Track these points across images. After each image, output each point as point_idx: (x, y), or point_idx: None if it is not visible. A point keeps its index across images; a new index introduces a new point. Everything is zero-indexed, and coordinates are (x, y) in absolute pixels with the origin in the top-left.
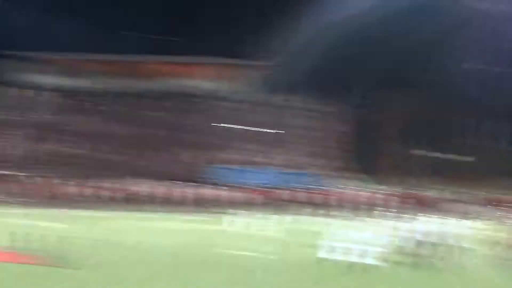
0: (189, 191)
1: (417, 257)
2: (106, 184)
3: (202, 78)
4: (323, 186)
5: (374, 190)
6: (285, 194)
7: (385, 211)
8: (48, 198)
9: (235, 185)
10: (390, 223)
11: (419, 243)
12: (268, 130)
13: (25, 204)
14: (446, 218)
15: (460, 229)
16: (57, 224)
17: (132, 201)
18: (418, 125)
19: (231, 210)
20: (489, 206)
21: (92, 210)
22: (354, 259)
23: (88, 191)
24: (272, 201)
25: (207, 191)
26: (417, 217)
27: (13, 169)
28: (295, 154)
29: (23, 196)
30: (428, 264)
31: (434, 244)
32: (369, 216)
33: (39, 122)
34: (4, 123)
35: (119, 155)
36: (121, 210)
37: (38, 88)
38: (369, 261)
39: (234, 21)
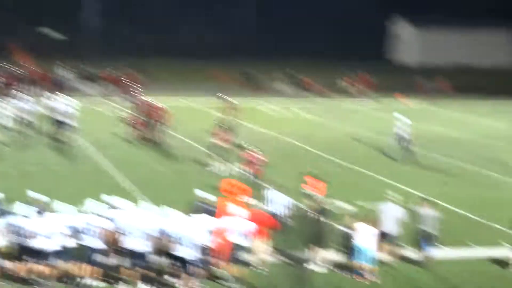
0: None
1: (19, 134)
2: None
3: None
4: None
5: None
6: None
7: None
8: None
9: None
10: None
11: (21, 121)
12: None
13: None
14: (50, 97)
15: (65, 106)
16: None
17: None
18: None
19: None
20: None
21: None
22: None
23: None
24: None
25: None
26: (21, 96)
27: None
28: None
29: None
30: (28, 141)
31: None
32: None
33: None
34: None
35: None
36: None
37: None
38: None
39: None
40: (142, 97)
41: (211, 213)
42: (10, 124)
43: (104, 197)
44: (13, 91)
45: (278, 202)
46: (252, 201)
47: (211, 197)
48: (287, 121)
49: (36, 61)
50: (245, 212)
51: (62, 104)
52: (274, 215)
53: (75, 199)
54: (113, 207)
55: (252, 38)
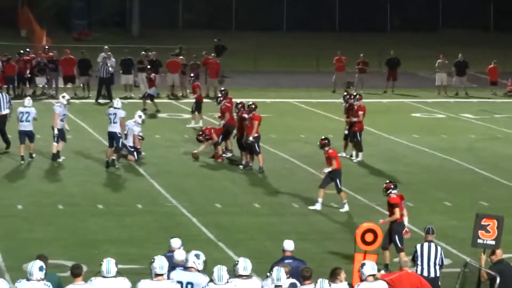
0: None
1: None
2: None
3: None
4: None
5: None
6: None
7: None
8: None
9: None
10: None
11: None
12: None
13: None
14: None
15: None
16: None
17: None
18: None
19: None
20: None
21: None
22: None
23: None
24: None
25: None
26: None
27: None
28: None
29: None
30: None
31: None
32: None
33: None
34: None
35: None
36: None
37: None
38: None
39: None
40: (224, 94)
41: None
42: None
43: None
44: None
45: (431, 257)
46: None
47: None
48: (450, 130)
49: None
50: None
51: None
52: (427, 278)
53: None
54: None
55: None
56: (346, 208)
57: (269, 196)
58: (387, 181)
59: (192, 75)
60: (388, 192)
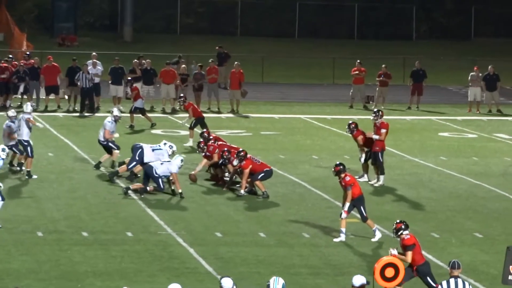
0: None
1: None
2: None
3: None
4: None
5: None
6: None
7: None
8: None
9: None
10: None
11: None
12: None
13: None
14: None
15: None
16: None
17: None
18: None
19: None
20: None
21: None
22: None
23: None
24: None
25: None
26: None
27: None
28: None
29: None
30: None
31: None
32: None
33: None
34: None
35: None
36: None
37: None
38: None
39: None
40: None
41: None
42: None
43: None
44: None
45: None
46: None
47: None
48: (483, 151)
49: None
50: None
51: None
52: None
53: None
54: None
55: None
56: (378, 235)
57: (276, 224)
58: (397, 221)
59: (181, 95)
60: (399, 233)
